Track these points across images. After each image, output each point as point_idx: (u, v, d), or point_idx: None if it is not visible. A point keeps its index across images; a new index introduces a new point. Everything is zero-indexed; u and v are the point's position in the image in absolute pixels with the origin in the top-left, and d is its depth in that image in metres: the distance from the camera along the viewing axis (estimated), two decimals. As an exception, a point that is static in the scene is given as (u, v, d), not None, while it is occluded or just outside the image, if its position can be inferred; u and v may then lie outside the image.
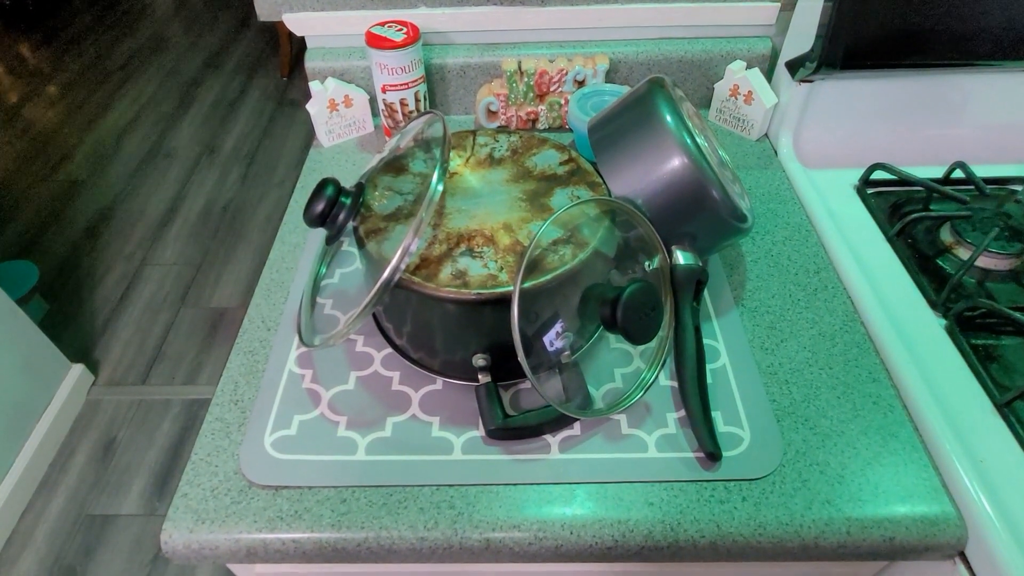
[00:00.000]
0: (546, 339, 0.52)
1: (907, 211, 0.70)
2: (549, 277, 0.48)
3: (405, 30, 0.73)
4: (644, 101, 0.56)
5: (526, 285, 0.47)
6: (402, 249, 0.47)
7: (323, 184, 0.52)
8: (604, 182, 0.56)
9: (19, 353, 1.36)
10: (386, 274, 0.47)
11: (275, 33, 2.94)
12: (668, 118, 0.54)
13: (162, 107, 2.56)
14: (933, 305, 0.60)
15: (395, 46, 0.72)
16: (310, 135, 2.40)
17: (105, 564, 1.30)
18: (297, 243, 0.69)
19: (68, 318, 1.76)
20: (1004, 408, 0.51)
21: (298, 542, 0.47)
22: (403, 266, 0.47)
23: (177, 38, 3.02)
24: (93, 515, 1.37)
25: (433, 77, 0.83)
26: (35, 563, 1.30)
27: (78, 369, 1.55)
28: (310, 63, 0.82)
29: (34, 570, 1.29)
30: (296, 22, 0.81)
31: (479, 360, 0.52)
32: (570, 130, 0.82)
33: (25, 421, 1.40)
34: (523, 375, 0.54)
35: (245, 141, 2.39)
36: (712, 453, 0.49)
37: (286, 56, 2.66)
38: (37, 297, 1.70)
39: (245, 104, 2.58)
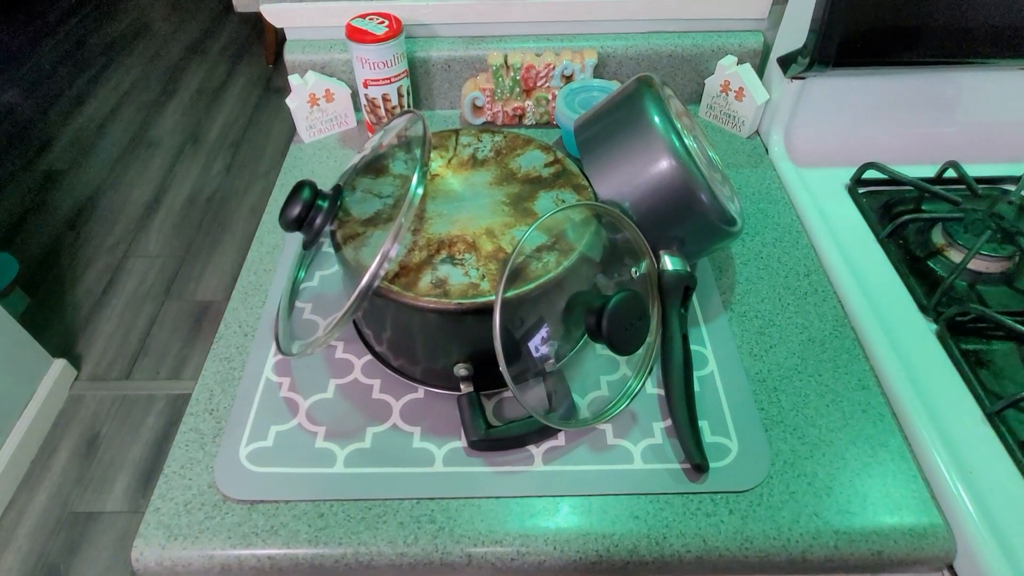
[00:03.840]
0: (530, 345, 0.50)
1: (899, 212, 0.69)
2: (532, 286, 0.46)
3: (387, 23, 0.71)
4: (631, 101, 0.54)
5: (508, 295, 0.45)
6: (380, 256, 0.45)
7: (299, 187, 0.51)
8: (590, 184, 0.54)
9: (-2, 349, 1.33)
10: (364, 282, 0.45)
11: (260, 19, 2.88)
12: (656, 119, 0.52)
13: (144, 95, 2.51)
14: (924, 309, 0.59)
15: (376, 40, 0.70)
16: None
17: (89, 561, 1.28)
18: (276, 244, 0.68)
19: (49, 312, 1.73)
20: (994, 417, 0.51)
21: (273, 559, 0.46)
22: (382, 273, 0.46)
23: (159, 23, 2.95)
24: (76, 512, 1.35)
25: (417, 71, 0.81)
26: (18, 561, 1.28)
27: (60, 364, 1.52)
28: (289, 56, 0.80)
29: (17, 568, 1.27)
30: (275, 13, 0.78)
31: (461, 370, 0.50)
32: (557, 126, 0.80)
33: (6, 417, 1.37)
34: (506, 384, 0.53)
35: (230, 130, 2.35)
36: (699, 465, 0.48)
37: (271, 43, 2.61)
38: (17, 290, 1.67)
39: (230, 92, 2.53)
